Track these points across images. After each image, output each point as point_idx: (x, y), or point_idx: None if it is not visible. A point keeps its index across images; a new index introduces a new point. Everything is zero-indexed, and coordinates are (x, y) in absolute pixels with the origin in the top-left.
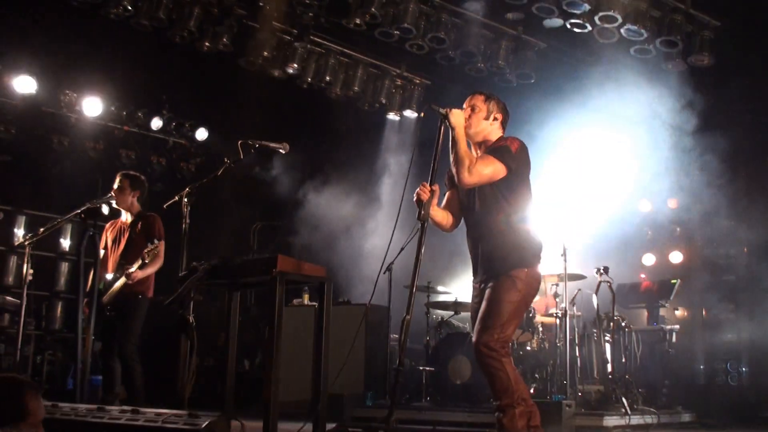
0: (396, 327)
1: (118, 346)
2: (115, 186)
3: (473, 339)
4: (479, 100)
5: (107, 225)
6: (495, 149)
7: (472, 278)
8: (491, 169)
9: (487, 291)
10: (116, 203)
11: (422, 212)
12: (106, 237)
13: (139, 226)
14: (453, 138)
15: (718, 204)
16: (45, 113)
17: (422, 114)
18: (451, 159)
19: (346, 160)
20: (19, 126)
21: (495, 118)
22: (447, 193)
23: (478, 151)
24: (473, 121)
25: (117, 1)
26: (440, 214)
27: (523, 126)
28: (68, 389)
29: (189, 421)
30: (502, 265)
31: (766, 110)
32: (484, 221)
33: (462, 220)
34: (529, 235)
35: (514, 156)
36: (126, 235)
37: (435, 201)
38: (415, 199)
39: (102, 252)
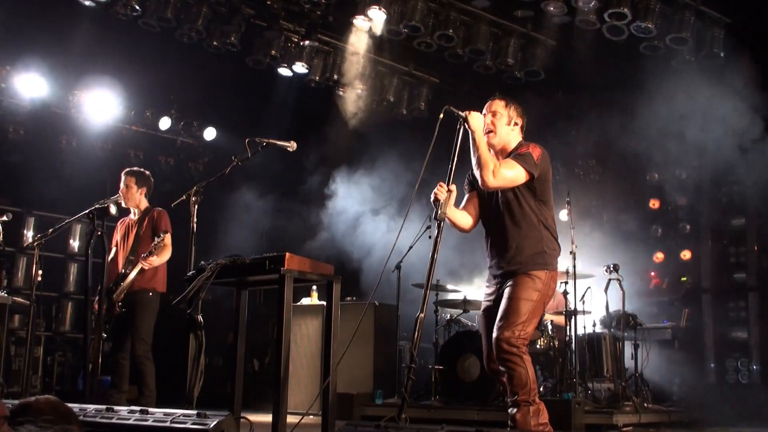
0: (404, 325)
1: (130, 345)
2: (122, 185)
3: (493, 335)
4: (500, 106)
5: (117, 223)
6: (518, 155)
7: (481, 277)
8: (514, 174)
9: (506, 289)
10: (124, 202)
11: (439, 212)
12: (116, 235)
13: (146, 221)
14: (473, 141)
15: (728, 202)
16: (53, 114)
17: (441, 116)
18: (473, 162)
19: (355, 158)
20: (28, 127)
21: (515, 123)
22: (466, 195)
23: (499, 156)
24: (496, 128)
25: (125, 2)
26: (457, 215)
27: (530, 126)
28: (79, 390)
29: (198, 421)
30: (523, 266)
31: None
32: (506, 224)
33: (479, 221)
34: (549, 238)
35: (536, 163)
36: (134, 232)
37: (452, 201)
38: (432, 198)
39: (113, 250)
